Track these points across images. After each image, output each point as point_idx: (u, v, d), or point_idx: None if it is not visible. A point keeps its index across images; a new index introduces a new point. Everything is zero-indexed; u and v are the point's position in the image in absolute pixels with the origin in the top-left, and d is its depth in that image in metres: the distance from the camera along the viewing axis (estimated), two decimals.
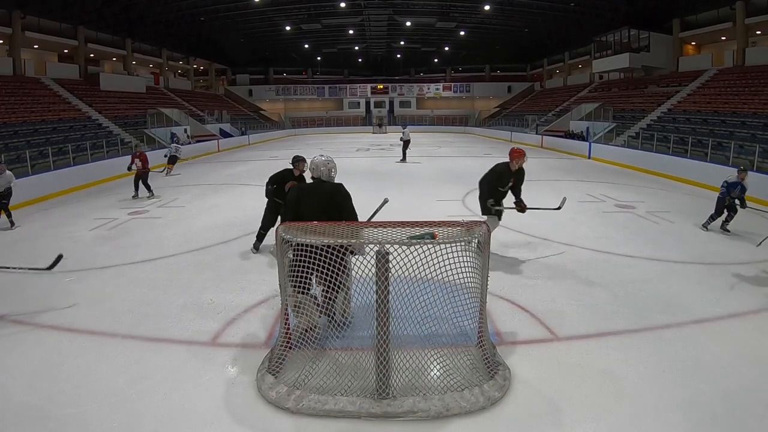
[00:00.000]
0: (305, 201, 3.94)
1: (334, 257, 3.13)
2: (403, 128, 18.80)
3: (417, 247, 3.01)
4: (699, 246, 6.53)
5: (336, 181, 4.08)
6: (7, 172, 8.20)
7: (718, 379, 3.32)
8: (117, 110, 22.28)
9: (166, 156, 14.65)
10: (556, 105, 31.10)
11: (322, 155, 4.07)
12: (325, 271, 3.16)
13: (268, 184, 6.07)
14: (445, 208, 8.80)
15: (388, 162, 17.61)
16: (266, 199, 6.23)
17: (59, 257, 4.97)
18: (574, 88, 32.57)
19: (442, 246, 3.05)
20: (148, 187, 10.79)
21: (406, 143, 17.73)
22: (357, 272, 3.09)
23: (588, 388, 3.23)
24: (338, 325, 3.62)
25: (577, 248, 6.36)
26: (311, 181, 4.12)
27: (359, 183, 12.24)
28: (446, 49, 39.55)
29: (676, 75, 23.60)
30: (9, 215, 8.12)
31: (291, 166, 6.00)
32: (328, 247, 3.12)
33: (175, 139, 17.71)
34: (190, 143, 21.62)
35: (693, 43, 24.78)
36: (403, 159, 17.49)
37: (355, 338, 3.50)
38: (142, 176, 10.68)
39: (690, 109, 19.06)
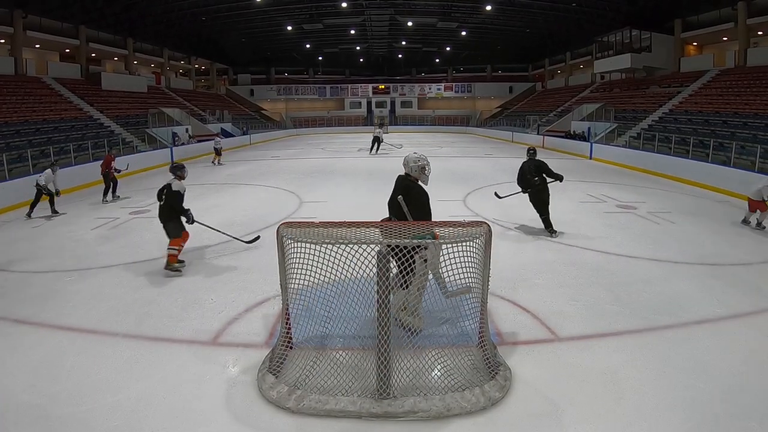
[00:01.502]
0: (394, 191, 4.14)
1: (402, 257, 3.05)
2: (378, 128, 22.86)
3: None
4: (700, 246, 6.52)
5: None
6: None
7: (719, 380, 3.31)
8: (118, 110, 22.29)
9: (215, 148, 17.88)
10: (557, 105, 31.06)
11: (415, 152, 4.16)
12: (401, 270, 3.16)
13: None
14: (446, 208, 8.78)
15: (390, 162, 17.58)
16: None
17: (257, 238, 6.31)
18: (575, 89, 32.52)
19: (443, 246, 3.05)
20: (114, 190, 10.49)
21: (375, 138, 20.87)
22: (358, 272, 3.06)
23: (589, 389, 3.22)
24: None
25: (579, 248, 6.35)
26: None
27: (361, 182, 12.28)
28: (447, 49, 39.49)
29: (678, 75, 23.55)
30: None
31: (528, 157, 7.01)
32: (397, 246, 3.02)
33: (217, 138, 19.34)
34: (191, 143, 21.68)
35: (694, 44, 24.74)
36: (370, 150, 20.62)
37: (356, 338, 3.50)
38: (113, 179, 10.43)
39: (691, 109, 19.01)
